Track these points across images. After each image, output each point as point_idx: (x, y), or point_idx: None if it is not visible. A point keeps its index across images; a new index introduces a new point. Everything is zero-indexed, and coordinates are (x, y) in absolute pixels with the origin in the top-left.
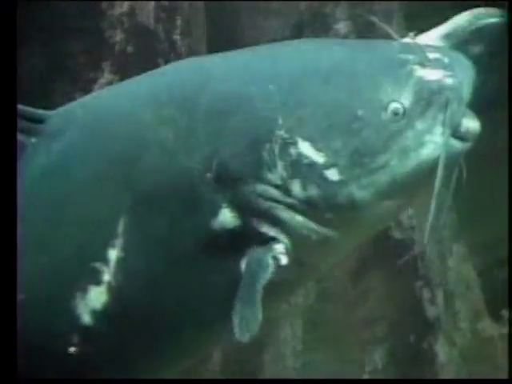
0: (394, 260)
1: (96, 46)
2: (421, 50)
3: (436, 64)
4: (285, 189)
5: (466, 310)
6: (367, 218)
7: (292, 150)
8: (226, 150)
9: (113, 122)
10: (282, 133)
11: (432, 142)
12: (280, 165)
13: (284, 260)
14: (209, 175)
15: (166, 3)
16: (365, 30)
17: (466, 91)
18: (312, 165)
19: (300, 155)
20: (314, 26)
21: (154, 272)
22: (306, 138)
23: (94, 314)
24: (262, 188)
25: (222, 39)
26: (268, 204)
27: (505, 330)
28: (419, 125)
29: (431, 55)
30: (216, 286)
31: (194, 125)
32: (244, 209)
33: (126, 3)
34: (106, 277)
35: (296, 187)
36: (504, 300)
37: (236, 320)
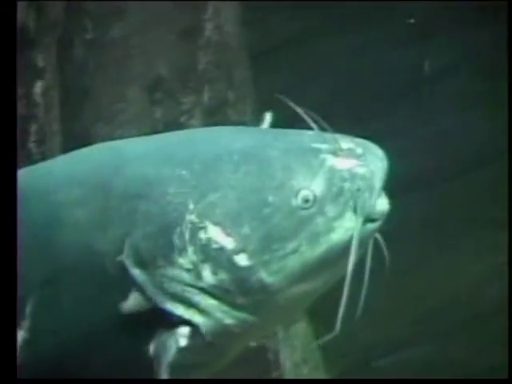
0: (247, 367)
1: None
2: (334, 140)
3: (348, 153)
4: (196, 273)
5: None
6: (280, 302)
7: (202, 235)
8: (137, 233)
9: (28, 202)
10: (192, 217)
11: (341, 227)
12: (190, 249)
13: (183, 342)
14: (120, 257)
15: (22, 111)
16: None
17: (378, 180)
18: (221, 250)
19: (209, 240)
20: None
21: (61, 354)
22: (215, 223)
23: None
24: (173, 272)
25: (77, 147)
26: (180, 287)
27: None
28: (329, 211)
29: (344, 145)
30: (124, 368)
31: (107, 207)
32: (155, 292)
33: None
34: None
35: (206, 272)
36: None
37: None
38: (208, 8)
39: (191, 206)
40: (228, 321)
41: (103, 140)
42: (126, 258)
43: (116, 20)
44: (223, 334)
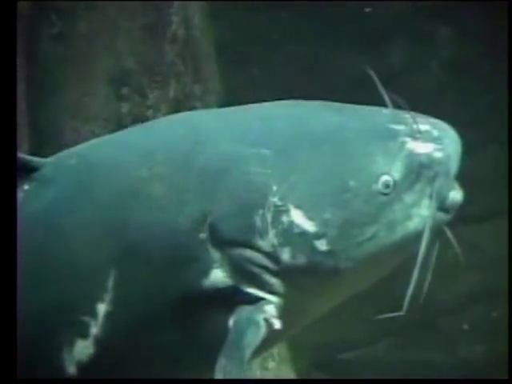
0: None
1: None
2: (411, 120)
3: (426, 137)
4: (274, 256)
5: None
6: (349, 286)
7: (284, 218)
8: (218, 212)
9: (106, 174)
10: (275, 200)
11: (418, 215)
12: (271, 232)
13: (277, 324)
14: (201, 235)
15: None
16: None
17: (454, 165)
18: (303, 234)
19: (292, 224)
20: None
21: (141, 326)
22: (298, 206)
23: (79, 365)
24: (251, 254)
25: (44, 142)
26: (257, 269)
27: None
28: (407, 198)
29: (421, 127)
30: (201, 340)
31: (188, 183)
32: (233, 271)
33: None
34: (93, 330)
35: (285, 255)
36: None
37: (220, 375)
38: (174, 2)
39: (274, 188)
40: (297, 303)
41: (68, 133)
42: (207, 236)
43: (82, 14)
44: (292, 312)
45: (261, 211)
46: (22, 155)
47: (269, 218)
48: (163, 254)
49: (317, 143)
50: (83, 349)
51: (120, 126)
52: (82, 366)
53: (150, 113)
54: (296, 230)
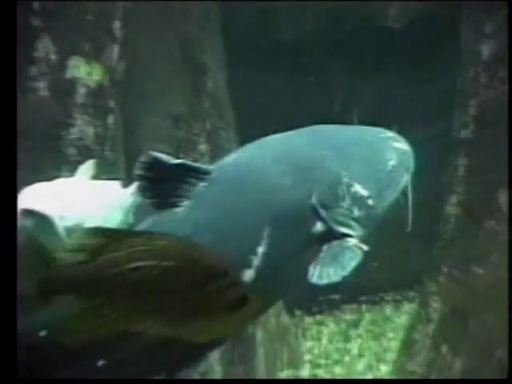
0: None
1: None
2: (385, 131)
3: (397, 139)
4: (351, 211)
5: None
6: (377, 222)
7: (352, 189)
8: (319, 189)
9: (254, 174)
10: (346, 179)
11: (404, 181)
12: (347, 198)
13: (365, 247)
14: (310, 203)
15: None
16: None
17: (411, 152)
18: (362, 197)
19: (356, 192)
20: None
21: (282, 257)
22: (357, 182)
23: (246, 285)
24: (340, 210)
25: (133, 160)
26: (344, 218)
27: None
28: (400, 171)
29: (390, 134)
30: (309, 261)
31: (300, 175)
32: (332, 221)
33: None
34: (255, 262)
35: (355, 209)
36: None
37: (317, 269)
38: (208, 72)
39: (344, 173)
40: (364, 232)
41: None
42: (314, 203)
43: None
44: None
45: (340, 186)
46: (199, 165)
47: (345, 190)
48: (292, 216)
49: (356, 146)
50: (249, 274)
51: (177, 147)
52: (248, 285)
53: (195, 138)
54: (358, 195)
